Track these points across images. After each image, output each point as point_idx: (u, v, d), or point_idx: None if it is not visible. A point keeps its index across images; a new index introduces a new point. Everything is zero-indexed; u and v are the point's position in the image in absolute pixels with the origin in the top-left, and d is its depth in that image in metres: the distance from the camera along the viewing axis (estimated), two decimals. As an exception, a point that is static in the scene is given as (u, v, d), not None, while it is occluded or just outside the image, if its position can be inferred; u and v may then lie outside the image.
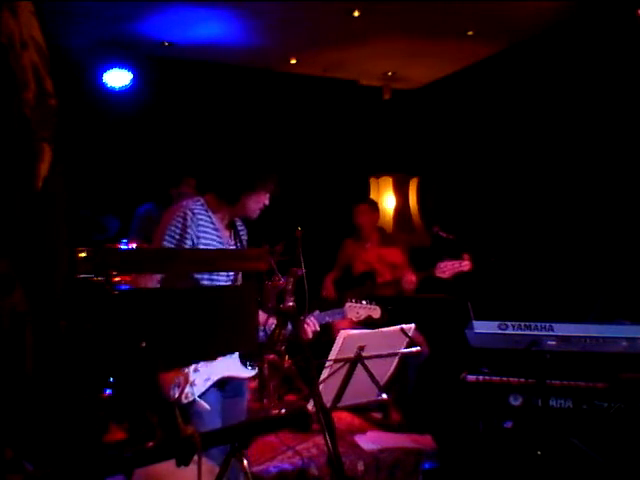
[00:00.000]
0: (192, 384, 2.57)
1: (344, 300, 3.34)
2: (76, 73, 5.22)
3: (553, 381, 3.22)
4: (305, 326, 2.85)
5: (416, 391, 4.60)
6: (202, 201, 2.75)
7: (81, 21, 4.95)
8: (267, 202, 2.82)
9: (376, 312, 3.33)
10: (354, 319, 3.30)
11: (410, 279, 4.54)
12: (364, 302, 3.30)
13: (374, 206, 5.35)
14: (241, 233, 2.92)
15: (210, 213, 2.73)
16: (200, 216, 2.68)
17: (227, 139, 5.76)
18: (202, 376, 2.62)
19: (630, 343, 2.89)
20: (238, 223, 2.91)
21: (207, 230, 2.70)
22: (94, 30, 5.15)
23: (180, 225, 2.62)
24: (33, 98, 1.24)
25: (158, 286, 2.61)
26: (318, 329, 2.89)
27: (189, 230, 2.62)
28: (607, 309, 3.66)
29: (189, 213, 2.65)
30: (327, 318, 3.10)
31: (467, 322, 3.12)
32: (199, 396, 2.59)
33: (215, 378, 2.67)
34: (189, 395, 2.56)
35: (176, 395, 2.52)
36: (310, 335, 2.85)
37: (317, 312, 2.99)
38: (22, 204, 1.21)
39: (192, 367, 2.58)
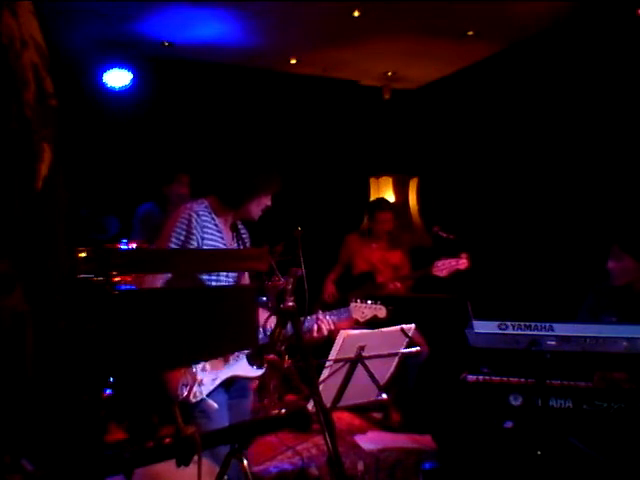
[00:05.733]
0: (200, 383, 2.58)
1: (348, 300, 3.34)
2: (76, 73, 5.21)
3: (553, 381, 3.22)
4: (320, 324, 2.87)
5: (416, 391, 4.60)
6: (206, 203, 2.76)
7: (81, 21, 4.95)
8: (269, 203, 2.83)
9: (382, 312, 3.32)
10: (360, 319, 3.29)
11: (394, 286, 4.64)
12: (369, 302, 3.29)
13: (395, 212, 5.26)
14: (243, 235, 2.94)
15: (214, 215, 2.75)
16: (205, 218, 2.69)
17: (227, 139, 5.75)
18: (210, 375, 2.63)
19: (630, 343, 2.90)
20: (240, 225, 2.92)
21: (212, 232, 2.71)
22: (94, 30, 5.15)
23: (185, 227, 2.63)
24: (33, 98, 1.24)
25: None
26: (333, 327, 2.91)
27: (194, 232, 2.63)
28: (596, 305, 3.65)
29: (194, 215, 2.66)
30: (332, 318, 3.09)
31: (467, 322, 3.12)
32: (207, 395, 2.60)
33: (223, 377, 2.68)
34: (197, 394, 2.57)
35: (184, 394, 2.53)
36: (325, 332, 2.89)
37: (320, 312, 2.99)
38: (22, 204, 1.21)
39: (200, 366, 2.59)
